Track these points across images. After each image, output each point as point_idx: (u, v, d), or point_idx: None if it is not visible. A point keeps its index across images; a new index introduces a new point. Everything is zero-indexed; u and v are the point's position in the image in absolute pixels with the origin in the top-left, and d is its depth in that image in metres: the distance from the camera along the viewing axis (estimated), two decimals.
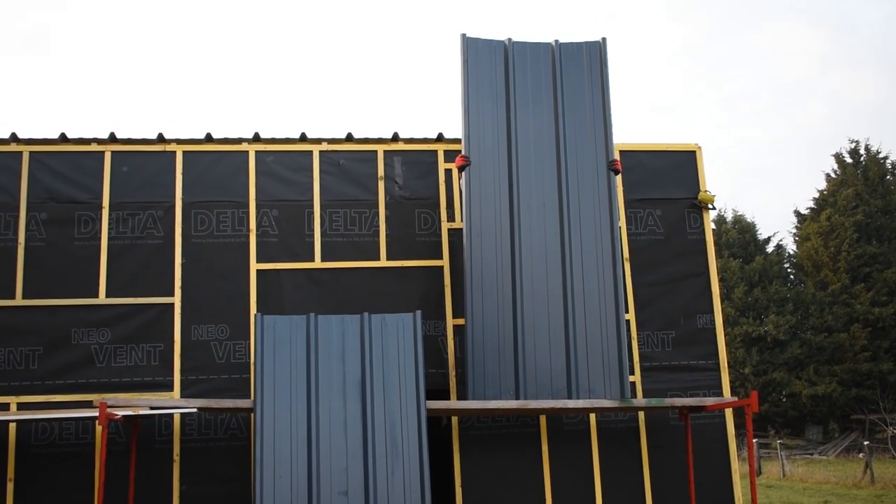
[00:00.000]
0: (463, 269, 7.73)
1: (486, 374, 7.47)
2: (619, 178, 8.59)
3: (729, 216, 48.64)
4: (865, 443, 28.02)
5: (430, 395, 7.41)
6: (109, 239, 7.99)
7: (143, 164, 8.22)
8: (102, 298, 7.85)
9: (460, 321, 8.11)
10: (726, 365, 8.56)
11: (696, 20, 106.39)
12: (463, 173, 7.91)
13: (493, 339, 7.55)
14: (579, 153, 7.98)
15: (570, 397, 7.48)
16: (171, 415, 7.59)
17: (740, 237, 47.10)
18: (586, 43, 8.29)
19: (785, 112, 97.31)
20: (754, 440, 34.34)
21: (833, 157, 47.62)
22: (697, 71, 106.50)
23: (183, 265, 8.01)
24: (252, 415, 7.39)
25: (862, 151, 47.58)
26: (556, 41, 8.25)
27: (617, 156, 8.61)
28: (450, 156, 8.53)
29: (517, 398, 7.44)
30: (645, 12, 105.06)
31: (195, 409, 7.18)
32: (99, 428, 7.22)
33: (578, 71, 8.22)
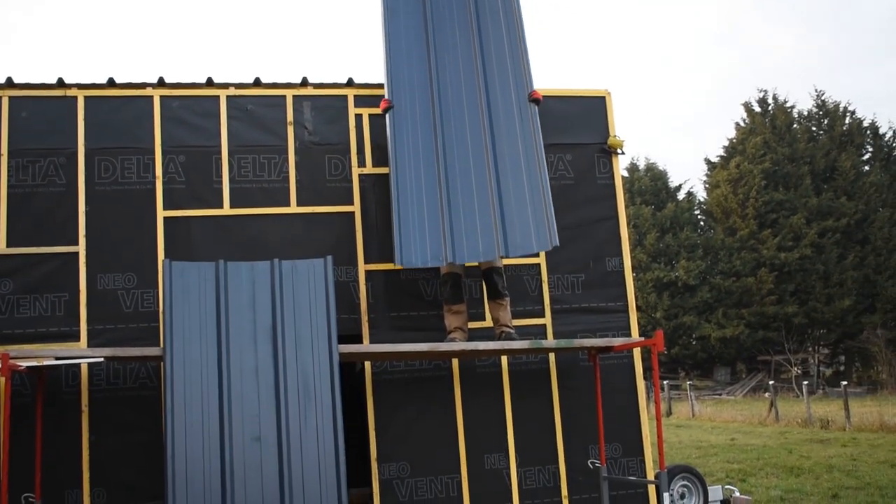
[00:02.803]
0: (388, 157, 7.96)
1: (413, 241, 7.55)
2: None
3: (642, 164, 49.38)
4: (771, 382, 29.01)
5: (343, 341, 7.41)
6: (9, 187, 7.74)
7: (43, 109, 7.95)
8: (3, 248, 7.63)
9: (372, 266, 8.11)
10: (634, 307, 8.74)
11: None
12: (387, 116, 8.02)
13: (419, 205, 7.68)
14: (500, 87, 8.08)
15: (499, 254, 7.62)
16: (78, 365, 7.46)
17: (652, 185, 47.97)
18: None
19: (700, 62, 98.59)
20: (665, 382, 35.29)
21: (742, 107, 48.62)
22: (615, 19, 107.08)
23: (87, 213, 7.82)
24: (161, 363, 7.31)
25: (770, 101, 48.61)
26: None
27: None
28: (360, 101, 8.45)
29: (446, 261, 7.55)
30: None
31: (102, 359, 7.06)
32: (1, 380, 7.06)
33: (494, 7, 8.39)
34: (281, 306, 7.08)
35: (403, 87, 8.07)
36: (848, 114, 47.59)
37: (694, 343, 43.98)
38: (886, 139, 47.64)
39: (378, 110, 8.28)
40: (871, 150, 47.75)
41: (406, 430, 7.93)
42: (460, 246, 7.57)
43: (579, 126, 8.87)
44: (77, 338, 7.59)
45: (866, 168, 46.71)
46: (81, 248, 7.75)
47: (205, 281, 7.05)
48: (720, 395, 39.41)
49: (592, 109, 8.96)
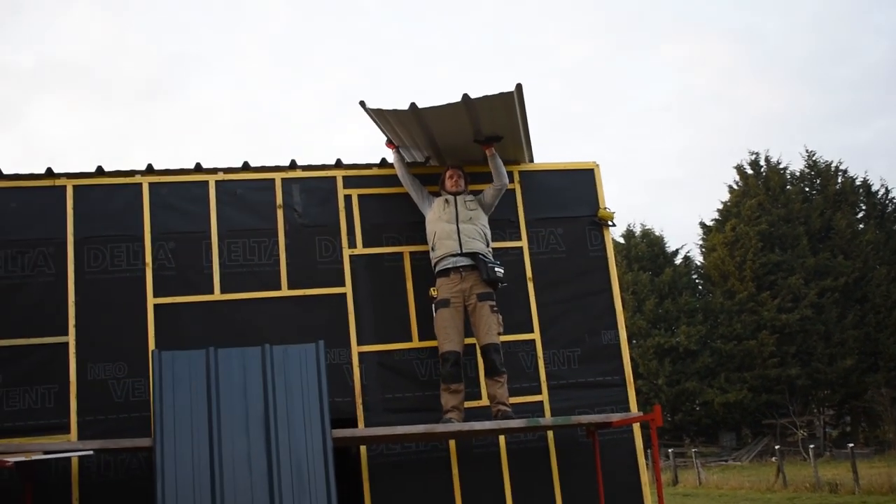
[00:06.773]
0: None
1: None
2: (519, 197, 8.66)
3: (637, 230, 49.47)
4: (777, 447, 28.63)
5: (337, 424, 7.30)
6: None
7: (33, 199, 7.94)
8: None
9: (365, 348, 8.03)
10: (632, 380, 8.62)
11: (602, 36, 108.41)
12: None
13: None
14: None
15: None
16: (69, 458, 7.32)
17: (649, 250, 47.98)
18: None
19: (691, 125, 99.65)
20: (670, 450, 34.90)
21: (735, 169, 48.89)
22: (604, 86, 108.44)
23: (76, 302, 7.76)
24: (152, 454, 7.18)
25: (762, 162, 48.92)
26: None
27: (517, 176, 8.67)
28: (349, 181, 8.46)
29: None
30: (553, 29, 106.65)
31: (91, 452, 6.93)
32: None
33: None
34: (273, 392, 6.97)
35: None
36: (840, 173, 47.88)
37: (698, 409, 43.58)
38: (879, 196, 47.86)
39: (368, 191, 8.37)
40: (864, 208, 47.93)
41: None
42: None
43: (569, 199, 8.86)
44: (67, 429, 7.47)
45: (861, 226, 46.82)
46: (71, 338, 7.67)
47: (195, 369, 6.96)
48: (726, 461, 38.93)
49: (582, 182, 8.96)
